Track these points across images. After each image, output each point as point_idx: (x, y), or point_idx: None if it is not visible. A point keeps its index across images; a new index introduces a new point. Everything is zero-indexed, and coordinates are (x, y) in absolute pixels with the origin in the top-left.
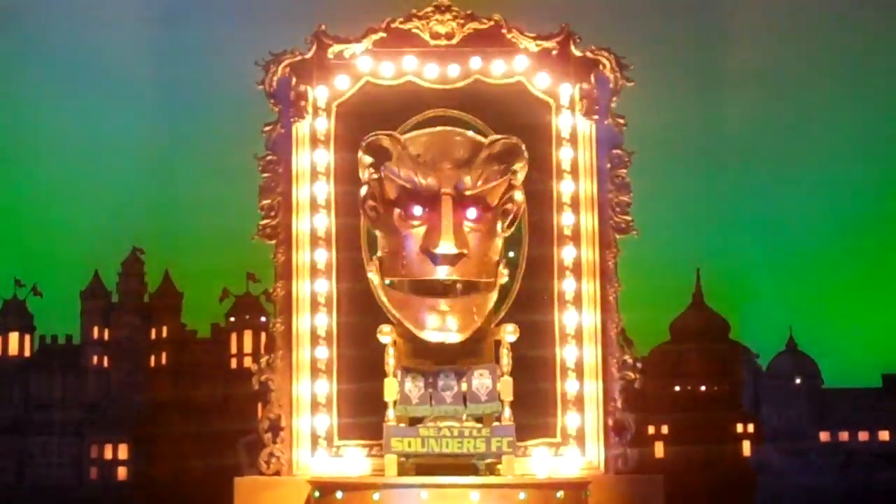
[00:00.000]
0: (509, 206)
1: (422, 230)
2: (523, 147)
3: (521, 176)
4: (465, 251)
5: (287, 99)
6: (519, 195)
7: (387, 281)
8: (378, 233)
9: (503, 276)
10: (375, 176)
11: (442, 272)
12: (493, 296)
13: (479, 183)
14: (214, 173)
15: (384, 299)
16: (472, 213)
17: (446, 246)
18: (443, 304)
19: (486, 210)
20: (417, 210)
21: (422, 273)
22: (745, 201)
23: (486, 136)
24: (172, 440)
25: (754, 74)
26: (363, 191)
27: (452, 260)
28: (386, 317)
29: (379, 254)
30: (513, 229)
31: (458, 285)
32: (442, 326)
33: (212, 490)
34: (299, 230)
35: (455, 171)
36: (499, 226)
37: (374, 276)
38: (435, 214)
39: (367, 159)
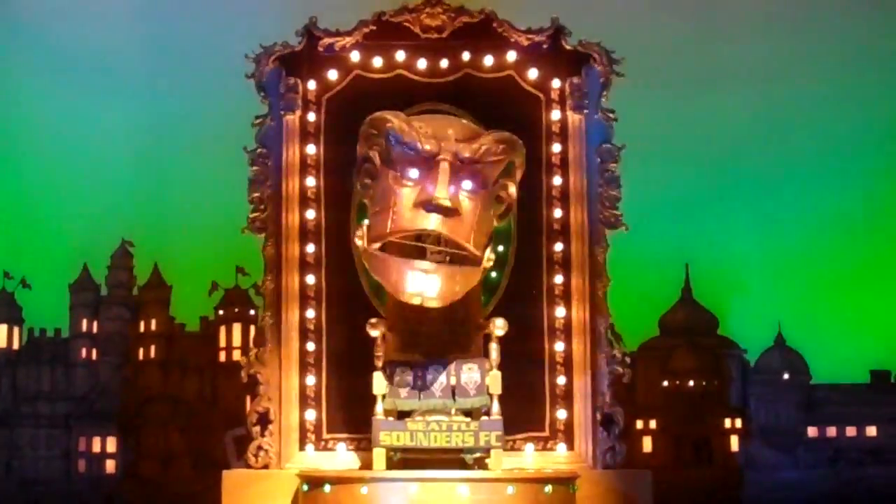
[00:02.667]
0: (503, 193)
1: (416, 189)
2: (522, 144)
3: (518, 173)
4: (459, 210)
5: (277, 92)
6: (513, 188)
7: (376, 246)
8: (367, 202)
9: (489, 261)
10: (375, 149)
11: (433, 222)
12: (478, 276)
13: (480, 155)
14: (204, 166)
15: (365, 264)
16: (467, 183)
17: (441, 198)
18: (426, 264)
19: (482, 186)
20: (413, 173)
21: (412, 224)
22: (734, 197)
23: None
24: (161, 433)
25: (745, 70)
26: (359, 162)
27: (445, 212)
28: (375, 310)
29: (366, 221)
30: (504, 221)
31: (447, 259)
32: (422, 288)
33: (200, 483)
34: (289, 223)
35: (455, 143)
36: (491, 207)
37: (358, 241)
38: (431, 177)
39: (371, 132)
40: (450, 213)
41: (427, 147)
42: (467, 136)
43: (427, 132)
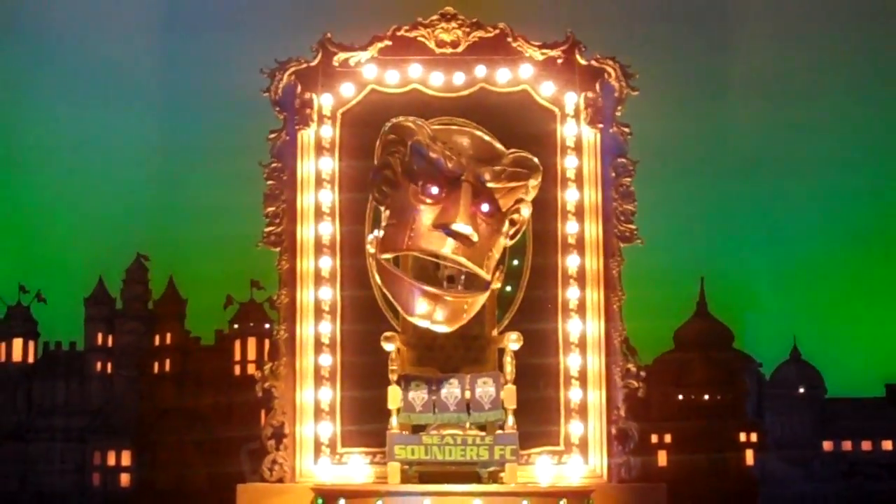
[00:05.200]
0: (516, 216)
1: (436, 208)
2: (540, 166)
3: (532, 194)
4: (475, 237)
5: (292, 106)
6: (526, 211)
7: (386, 256)
8: (384, 210)
9: (497, 282)
10: (396, 156)
11: (449, 246)
12: (484, 298)
13: (502, 180)
14: (219, 180)
15: (376, 276)
16: (485, 206)
17: (461, 225)
18: (436, 290)
19: (498, 209)
20: (434, 190)
21: (429, 244)
22: (749, 210)
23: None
24: (175, 447)
25: (759, 83)
26: (378, 168)
27: (464, 240)
28: (390, 324)
29: (381, 232)
30: (514, 241)
31: (462, 277)
32: (430, 314)
33: (215, 497)
34: (303, 237)
35: (478, 163)
36: (504, 230)
37: (370, 248)
38: (452, 197)
39: (392, 137)
40: (467, 239)
41: (451, 166)
42: (488, 155)
43: (451, 148)
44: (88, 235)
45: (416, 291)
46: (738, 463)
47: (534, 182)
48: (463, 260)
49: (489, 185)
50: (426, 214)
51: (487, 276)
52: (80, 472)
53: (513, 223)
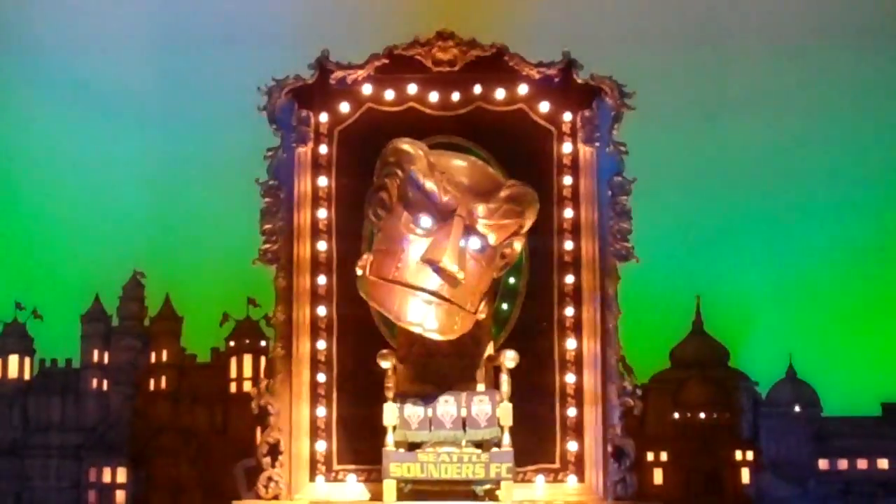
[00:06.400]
0: (507, 251)
1: (426, 241)
2: (537, 199)
3: (526, 226)
4: (461, 276)
5: (289, 124)
6: (518, 245)
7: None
8: (377, 234)
9: (482, 314)
10: (393, 179)
11: (435, 282)
12: (474, 321)
13: (495, 217)
14: (216, 198)
15: (363, 294)
16: (475, 242)
17: (449, 263)
18: (428, 296)
19: (488, 245)
20: (426, 221)
21: (415, 279)
22: (745, 229)
23: (487, 163)
24: (171, 464)
25: (756, 102)
26: (374, 188)
27: (449, 279)
28: (386, 342)
29: (370, 254)
30: (502, 273)
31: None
32: (423, 318)
33: None
34: (300, 255)
35: (474, 198)
36: (494, 264)
37: (359, 271)
38: (443, 232)
39: (391, 160)
40: (453, 277)
41: (446, 200)
42: (485, 187)
43: (448, 179)
44: (85, 252)
45: (409, 296)
46: (733, 481)
47: (530, 219)
48: (447, 296)
49: (481, 221)
50: (416, 246)
51: (471, 310)
52: (75, 489)
53: (503, 257)
